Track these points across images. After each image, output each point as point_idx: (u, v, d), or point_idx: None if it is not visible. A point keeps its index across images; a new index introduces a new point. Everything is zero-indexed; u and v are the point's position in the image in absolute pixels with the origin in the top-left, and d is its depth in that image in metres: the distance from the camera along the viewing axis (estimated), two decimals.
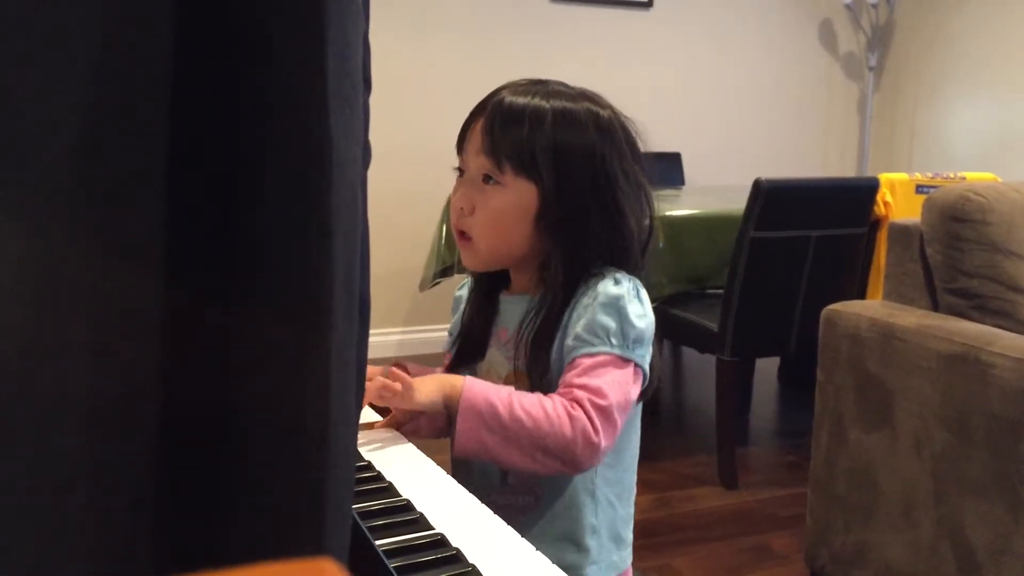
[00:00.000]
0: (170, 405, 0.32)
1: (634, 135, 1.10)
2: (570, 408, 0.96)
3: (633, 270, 1.07)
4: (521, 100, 1.04)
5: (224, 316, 0.33)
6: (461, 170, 1.08)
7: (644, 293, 1.04)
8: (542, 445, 0.96)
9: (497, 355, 1.11)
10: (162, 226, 0.31)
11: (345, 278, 0.35)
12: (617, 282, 1.02)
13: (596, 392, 0.97)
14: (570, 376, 1.00)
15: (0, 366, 0.29)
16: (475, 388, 0.98)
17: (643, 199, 1.08)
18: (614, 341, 1.00)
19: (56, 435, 0.30)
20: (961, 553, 1.58)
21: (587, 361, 0.99)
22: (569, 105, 1.05)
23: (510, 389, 1.00)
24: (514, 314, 1.10)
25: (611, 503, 1.06)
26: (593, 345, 1.00)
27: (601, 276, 1.04)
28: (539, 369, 1.03)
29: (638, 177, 1.07)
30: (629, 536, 1.10)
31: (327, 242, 0.33)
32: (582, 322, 1.01)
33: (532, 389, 1.02)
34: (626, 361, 1.00)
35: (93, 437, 0.31)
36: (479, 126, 1.05)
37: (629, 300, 1.01)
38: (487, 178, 1.04)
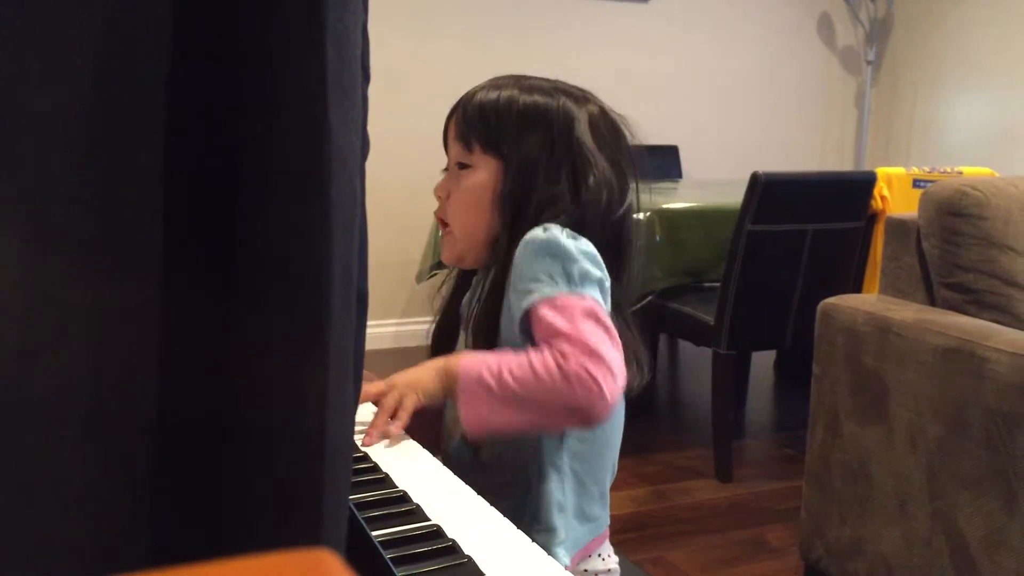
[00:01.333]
0: (168, 396, 0.32)
1: (617, 123, 1.10)
2: (562, 363, 0.92)
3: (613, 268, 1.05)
4: (494, 91, 1.08)
5: (223, 307, 0.33)
6: (445, 167, 1.12)
7: (581, 237, 1.00)
8: (544, 407, 0.94)
9: (468, 337, 1.12)
10: (160, 218, 0.31)
11: (343, 269, 0.35)
12: (545, 229, 1.00)
13: (575, 341, 0.93)
14: (538, 331, 0.97)
15: (2, 359, 0.29)
16: (467, 371, 0.96)
17: (618, 178, 1.07)
18: (559, 282, 0.96)
19: (54, 427, 0.30)
20: (955, 546, 1.58)
21: (541, 309, 0.96)
22: (541, 84, 1.09)
23: (500, 356, 0.96)
24: (472, 296, 1.12)
25: (580, 480, 1.04)
26: (539, 292, 0.96)
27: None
28: (484, 336, 1.04)
29: (614, 154, 1.08)
30: (597, 513, 1.08)
31: (326, 233, 0.33)
32: (519, 274, 0.99)
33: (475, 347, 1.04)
34: (581, 296, 0.97)
35: (91, 428, 0.31)
36: (455, 120, 1.10)
37: (561, 240, 0.98)
38: (462, 165, 1.08)
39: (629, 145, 1.10)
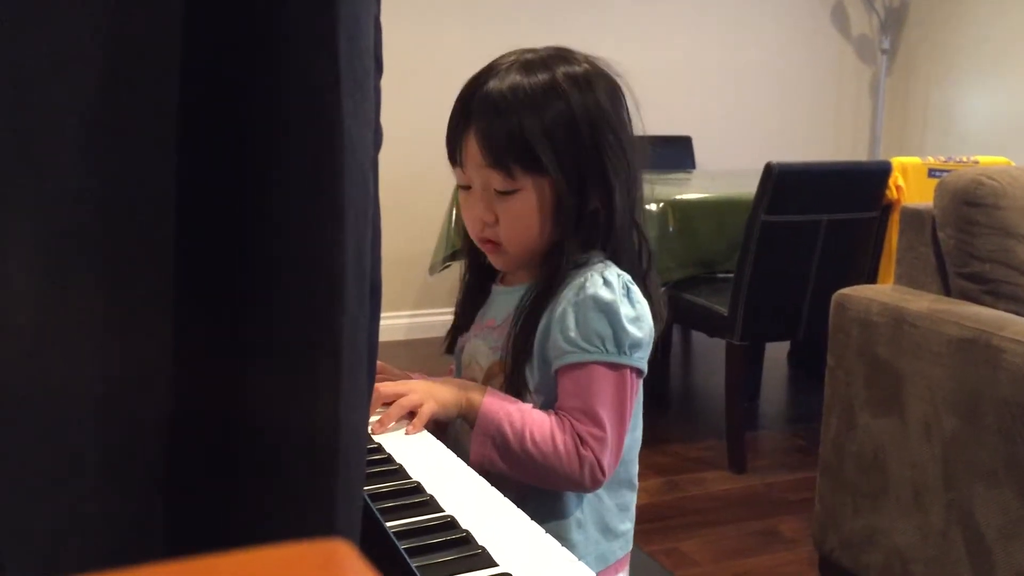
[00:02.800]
0: (181, 388, 0.32)
1: (617, 86, 1.07)
2: (580, 447, 0.98)
3: (620, 252, 1.06)
4: (503, 101, 1.00)
5: (235, 299, 0.33)
6: (465, 185, 1.06)
7: (634, 288, 1.03)
8: (549, 477, 1.00)
9: (481, 345, 1.11)
10: (171, 212, 0.31)
11: (356, 260, 0.35)
12: (607, 283, 1.01)
13: (599, 424, 0.99)
14: (569, 395, 1.00)
15: (13, 355, 0.29)
16: (489, 413, 0.99)
17: (629, 163, 1.05)
18: (608, 348, 1.00)
19: (67, 420, 0.30)
20: (971, 538, 1.58)
21: (582, 373, 1.00)
22: (544, 77, 1.01)
23: (523, 412, 1.00)
24: (505, 305, 1.09)
25: (597, 495, 1.06)
26: (588, 352, 1.00)
27: (586, 267, 1.03)
28: (523, 356, 1.04)
29: (623, 143, 1.04)
30: (623, 526, 1.09)
31: (338, 224, 0.33)
32: (573, 323, 1.00)
33: (513, 374, 1.04)
34: (620, 367, 1.01)
35: (105, 420, 0.31)
36: (471, 139, 1.02)
37: (621, 303, 1.00)
38: (505, 191, 1.02)
39: (631, 128, 1.08)
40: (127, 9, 0.30)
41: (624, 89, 1.08)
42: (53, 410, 0.30)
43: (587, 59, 1.06)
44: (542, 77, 1.01)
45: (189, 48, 0.31)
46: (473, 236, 1.08)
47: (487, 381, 1.09)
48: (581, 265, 1.04)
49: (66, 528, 0.31)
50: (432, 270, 3.41)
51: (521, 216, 1.03)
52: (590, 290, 1.00)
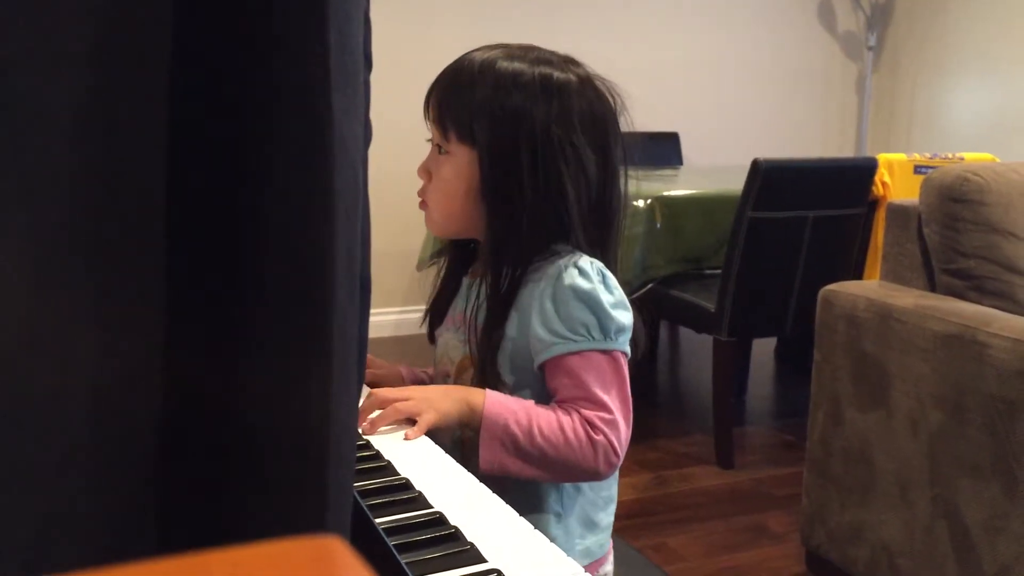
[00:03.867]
0: (172, 384, 0.32)
1: (611, 101, 1.07)
2: (592, 433, 0.98)
3: (588, 249, 1.05)
4: (469, 66, 1.03)
5: (226, 295, 0.33)
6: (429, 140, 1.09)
7: (608, 275, 1.03)
8: (564, 469, 0.99)
9: (452, 338, 1.11)
10: (162, 208, 0.31)
11: (347, 256, 0.35)
12: (583, 273, 1.01)
13: (603, 407, 0.99)
14: (565, 386, 1.00)
15: (2, 351, 0.29)
16: (494, 416, 0.98)
17: (603, 170, 1.04)
18: (595, 335, 1.00)
19: (58, 418, 0.30)
20: (956, 532, 1.59)
21: (573, 361, 1.00)
22: (519, 67, 1.02)
23: (528, 409, 0.99)
24: (469, 296, 1.09)
25: (577, 487, 1.06)
26: (576, 341, 1.00)
27: (557, 259, 1.02)
28: (489, 355, 1.03)
29: (596, 147, 1.04)
30: (605, 519, 1.09)
31: (329, 220, 0.33)
32: (554, 315, 1.00)
33: (482, 374, 1.03)
34: (610, 351, 1.01)
35: (96, 416, 0.31)
36: (432, 97, 1.06)
37: (600, 291, 1.00)
38: (439, 147, 1.06)
39: (615, 124, 1.07)
40: (118, 4, 0.30)
41: (618, 106, 1.07)
42: (43, 406, 0.30)
43: (585, 73, 1.06)
44: (518, 66, 1.02)
45: (179, 44, 0.31)
46: (418, 193, 1.11)
47: (459, 375, 1.09)
48: (549, 255, 1.03)
49: (56, 525, 0.31)
50: (420, 266, 3.41)
51: (444, 180, 1.05)
52: (567, 281, 1.00)
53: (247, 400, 0.33)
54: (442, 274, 1.18)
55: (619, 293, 1.03)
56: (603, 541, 1.09)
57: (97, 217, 0.30)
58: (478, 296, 1.06)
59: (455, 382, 1.10)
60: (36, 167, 0.29)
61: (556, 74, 1.03)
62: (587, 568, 1.06)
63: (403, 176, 3.73)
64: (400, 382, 1.20)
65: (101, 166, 0.30)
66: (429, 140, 1.09)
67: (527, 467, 0.98)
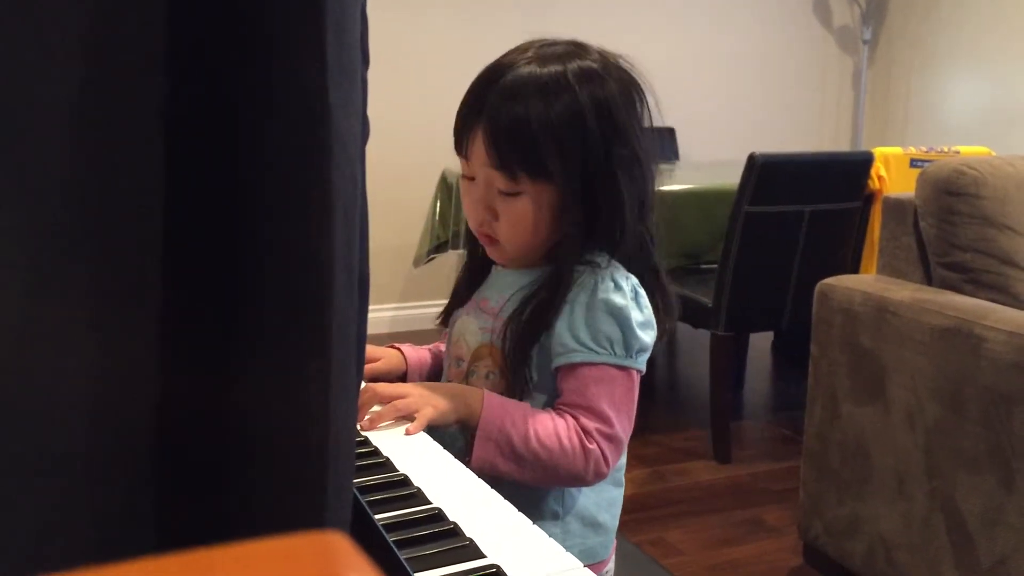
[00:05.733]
0: (170, 380, 0.32)
1: (633, 84, 1.07)
2: (585, 441, 0.99)
3: (627, 255, 1.05)
4: (513, 98, 0.99)
5: (224, 292, 0.33)
6: (468, 176, 1.05)
7: (641, 293, 1.04)
8: (554, 474, 1.00)
9: (471, 323, 1.10)
10: (159, 205, 0.31)
11: (345, 253, 0.35)
12: (618, 287, 1.01)
13: (605, 421, 1.00)
14: (575, 392, 1.01)
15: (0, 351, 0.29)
16: (491, 416, 0.98)
17: (638, 167, 1.04)
18: (617, 351, 1.01)
19: (54, 416, 0.30)
20: (953, 524, 1.59)
21: (590, 372, 1.00)
22: (556, 70, 1.00)
23: (525, 412, 0.99)
24: (503, 286, 1.09)
25: (581, 489, 1.06)
26: (597, 354, 1.00)
27: (596, 269, 1.03)
28: (526, 357, 1.03)
29: (635, 144, 1.04)
30: (610, 520, 1.09)
31: (327, 216, 0.33)
32: (582, 323, 1.00)
33: (515, 373, 1.03)
34: (627, 369, 1.02)
35: (93, 416, 0.31)
36: (480, 137, 1.01)
37: (631, 308, 1.01)
38: (508, 192, 1.02)
39: (645, 121, 1.08)
40: (111, 2, 0.30)
41: (644, 86, 1.08)
42: (40, 406, 0.30)
43: (602, 55, 1.06)
44: (554, 69, 1.00)
45: (175, 41, 0.30)
46: (472, 227, 1.08)
47: (474, 362, 1.08)
48: (586, 263, 1.03)
49: (54, 525, 0.31)
50: (417, 263, 3.40)
51: (521, 218, 1.02)
52: (602, 294, 1.00)
53: (246, 398, 0.33)
54: (467, 263, 1.17)
55: (648, 313, 1.04)
56: (607, 543, 1.09)
57: (92, 215, 0.30)
58: (521, 301, 1.05)
59: (468, 368, 1.09)
60: (30, 165, 0.29)
61: (589, 66, 1.02)
62: (590, 568, 1.06)
63: (401, 173, 3.74)
64: (401, 367, 1.20)
65: (96, 164, 0.30)
66: (468, 178, 1.05)
67: (518, 469, 0.98)
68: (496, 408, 0.99)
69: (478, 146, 1.01)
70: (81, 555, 0.31)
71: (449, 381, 1.12)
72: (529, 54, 1.03)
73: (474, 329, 1.09)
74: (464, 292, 1.15)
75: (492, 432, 0.98)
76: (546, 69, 1.00)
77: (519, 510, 0.76)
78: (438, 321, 1.19)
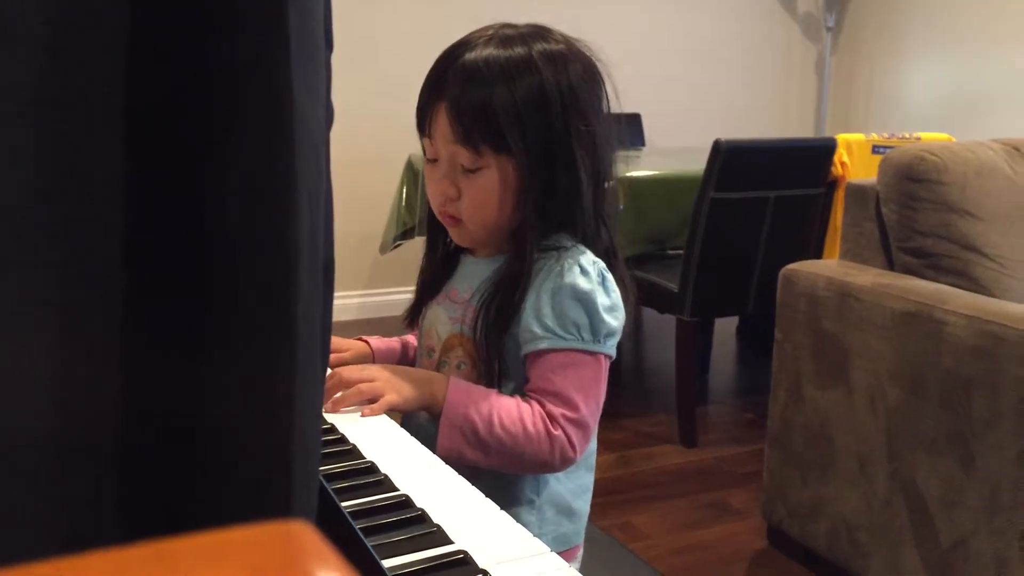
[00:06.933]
0: (133, 368, 0.31)
1: (594, 68, 1.07)
2: (550, 427, 0.98)
3: (589, 237, 1.05)
4: (477, 73, 0.99)
5: (186, 278, 0.32)
6: (431, 158, 1.04)
7: (608, 276, 1.04)
8: (520, 461, 0.99)
9: (441, 313, 1.09)
10: (121, 190, 0.31)
11: (309, 239, 0.34)
12: (584, 272, 1.01)
13: (571, 406, 0.99)
14: (541, 378, 1.00)
15: None
16: (456, 403, 0.98)
17: (598, 149, 1.05)
18: (584, 336, 1.00)
19: (15, 402, 0.30)
20: (914, 506, 1.62)
21: (556, 358, 1.00)
22: (520, 53, 1.00)
23: (490, 398, 0.99)
24: (472, 275, 1.08)
25: (556, 476, 1.06)
26: (564, 340, 1.00)
27: (563, 253, 1.02)
28: (497, 344, 1.03)
29: (594, 125, 1.04)
30: (582, 507, 1.10)
31: (291, 202, 0.33)
32: (549, 310, 1.00)
33: (488, 361, 1.03)
34: (595, 354, 1.01)
35: (55, 402, 0.30)
36: (442, 113, 1.00)
37: (598, 293, 1.01)
38: (469, 168, 1.01)
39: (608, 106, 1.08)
40: None
41: (603, 72, 1.08)
42: (1, 393, 0.29)
43: (565, 38, 1.06)
44: (518, 51, 1.00)
45: (137, 22, 0.30)
46: (435, 209, 1.07)
47: (445, 352, 1.08)
48: (552, 248, 1.03)
49: (18, 514, 0.30)
50: (383, 249, 3.39)
51: (483, 193, 1.02)
52: (567, 278, 1.00)
53: (211, 386, 0.33)
54: (430, 256, 1.15)
55: (616, 296, 1.03)
56: (579, 528, 1.09)
57: (52, 202, 0.30)
58: (488, 280, 1.05)
59: (439, 359, 1.09)
60: None
61: (553, 48, 1.03)
62: (563, 554, 1.06)
63: (365, 158, 3.71)
64: (368, 359, 1.19)
65: (55, 151, 0.30)
66: (431, 160, 1.05)
67: (484, 457, 0.98)
68: (460, 394, 0.99)
69: (441, 122, 1.01)
70: (47, 545, 0.30)
71: None
72: (490, 33, 1.03)
73: (444, 319, 1.09)
74: (431, 287, 1.13)
75: (456, 419, 0.97)
76: (509, 49, 1.00)
77: (496, 498, 0.77)
78: (405, 322, 1.17)
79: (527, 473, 1.04)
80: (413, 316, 1.15)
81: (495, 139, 0.99)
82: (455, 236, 1.08)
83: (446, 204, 1.04)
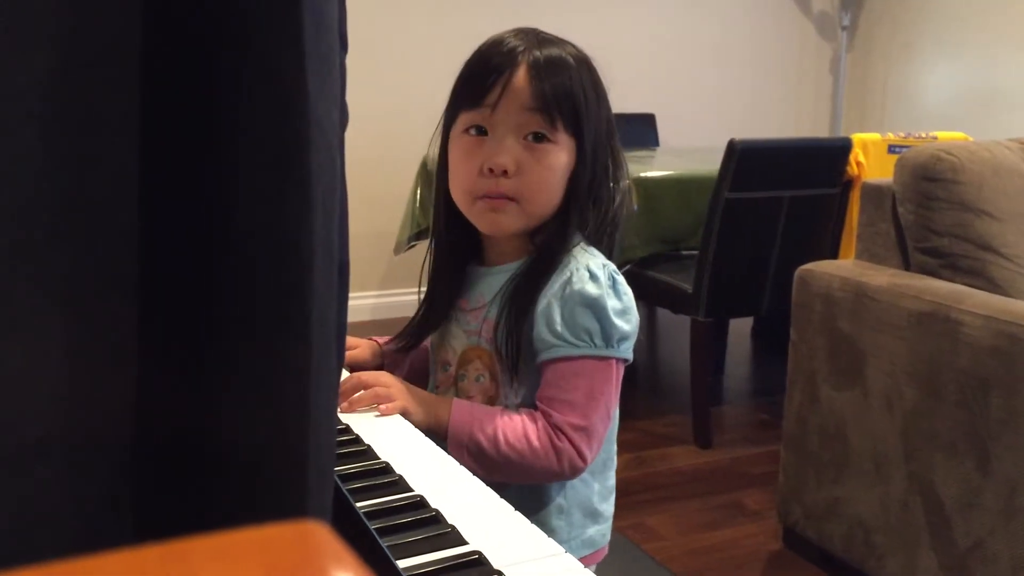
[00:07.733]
0: (147, 370, 0.32)
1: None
2: (555, 439, 0.98)
3: (601, 240, 1.05)
4: (553, 49, 1.00)
5: (201, 281, 0.32)
6: (481, 127, 1.00)
7: (619, 279, 1.02)
8: (529, 475, 0.99)
9: (453, 327, 1.08)
10: (134, 192, 0.31)
11: (324, 240, 0.34)
12: (593, 277, 1.00)
13: (579, 414, 0.98)
14: (552, 385, 1.00)
15: None
16: (460, 424, 0.98)
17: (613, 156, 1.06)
18: (596, 342, 0.99)
19: (31, 403, 0.30)
20: (931, 507, 1.61)
21: (569, 366, 0.99)
22: (572, 51, 1.02)
23: (495, 416, 0.99)
24: (486, 286, 1.06)
25: (584, 480, 1.05)
26: (576, 347, 0.99)
27: (571, 256, 1.02)
28: (519, 348, 1.01)
29: (613, 130, 1.06)
30: (608, 509, 1.09)
31: (306, 203, 0.33)
32: (559, 317, 0.99)
33: (511, 368, 1.02)
34: (607, 359, 1.00)
35: (70, 403, 0.31)
36: (521, 76, 0.97)
37: (607, 297, 0.99)
38: (538, 136, 0.98)
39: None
40: None
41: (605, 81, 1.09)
42: (15, 394, 0.30)
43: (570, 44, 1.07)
44: (569, 50, 1.02)
45: (149, 28, 0.30)
46: (471, 190, 1.00)
47: (463, 366, 1.07)
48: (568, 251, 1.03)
49: (32, 514, 0.30)
50: (397, 250, 3.39)
51: (548, 172, 0.99)
52: (576, 285, 0.99)
53: (225, 386, 0.33)
54: (436, 268, 1.11)
55: (627, 299, 1.02)
56: (605, 531, 1.09)
57: (67, 203, 0.30)
58: (506, 288, 1.03)
59: (456, 372, 1.07)
60: (1, 151, 0.29)
61: (578, 53, 1.04)
62: (589, 557, 1.06)
63: (380, 159, 3.72)
64: (378, 357, 1.18)
65: (70, 152, 0.30)
66: (479, 131, 1.00)
67: (492, 473, 0.97)
68: (464, 415, 0.99)
69: (517, 85, 0.97)
70: (61, 546, 0.31)
71: (437, 387, 1.11)
72: (518, 32, 1.03)
73: (458, 333, 1.08)
74: (442, 304, 1.09)
75: (463, 438, 0.97)
76: (556, 46, 1.02)
77: (525, 505, 0.76)
78: (406, 343, 1.13)
79: (540, 483, 1.03)
80: (417, 339, 1.12)
81: (572, 117, 0.99)
82: (491, 223, 1.02)
83: (502, 181, 0.98)
